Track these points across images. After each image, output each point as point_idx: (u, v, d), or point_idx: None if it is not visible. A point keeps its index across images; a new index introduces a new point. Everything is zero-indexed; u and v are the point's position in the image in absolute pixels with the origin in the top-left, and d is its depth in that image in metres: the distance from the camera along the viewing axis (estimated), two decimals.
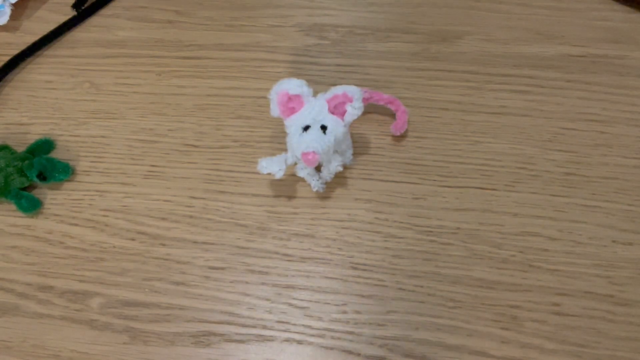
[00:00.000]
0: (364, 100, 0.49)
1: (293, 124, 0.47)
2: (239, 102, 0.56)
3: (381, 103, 0.53)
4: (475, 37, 0.58)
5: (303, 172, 0.49)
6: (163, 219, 0.50)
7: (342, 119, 0.46)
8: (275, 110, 0.47)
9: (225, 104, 0.56)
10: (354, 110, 0.46)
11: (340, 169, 0.48)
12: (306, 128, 0.46)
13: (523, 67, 0.56)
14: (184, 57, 0.59)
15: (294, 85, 0.46)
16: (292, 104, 0.46)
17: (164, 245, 0.49)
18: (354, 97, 0.46)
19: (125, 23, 0.62)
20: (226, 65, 0.58)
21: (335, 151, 0.48)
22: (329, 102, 0.46)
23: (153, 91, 0.57)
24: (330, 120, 0.46)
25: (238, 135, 0.54)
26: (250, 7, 0.62)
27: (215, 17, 0.62)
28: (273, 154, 0.48)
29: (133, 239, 0.49)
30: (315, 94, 0.47)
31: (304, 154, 0.44)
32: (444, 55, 0.57)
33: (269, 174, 0.47)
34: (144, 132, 0.55)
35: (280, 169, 0.47)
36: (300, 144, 0.45)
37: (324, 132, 0.46)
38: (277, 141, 0.53)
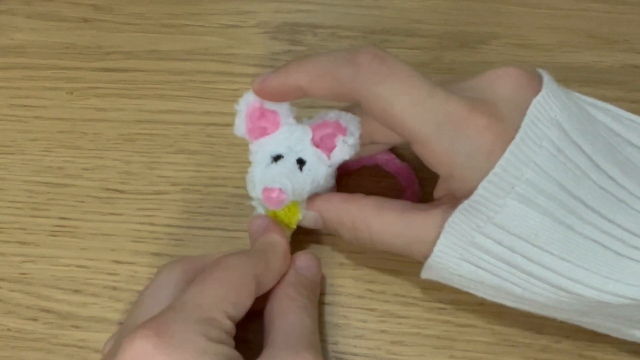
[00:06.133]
0: (364, 159, 0.51)
1: (261, 149, 0.47)
2: (180, 130, 0.58)
3: (390, 171, 0.54)
4: (506, 42, 0.61)
5: None
6: (76, 291, 0.51)
7: (328, 157, 0.47)
8: (240, 127, 0.47)
9: (161, 133, 0.58)
10: (345, 147, 0.46)
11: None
12: (277, 158, 0.46)
13: (571, 82, 0.58)
14: (105, 70, 0.61)
15: None
16: (264, 122, 0.47)
17: (77, 327, 0.49)
18: (349, 128, 0.46)
19: (24, 22, 0.65)
20: (163, 80, 0.60)
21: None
22: (314, 130, 0.47)
23: (63, 116, 0.59)
24: (311, 154, 0.46)
25: (179, 176, 0.55)
26: (196, 0, 0.65)
27: (147, 14, 0.64)
28: (228, 202, 0.50)
29: (35, 319, 0.50)
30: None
31: (266, 190, 0.45)
32: (463, 67, 0.60)
33: None
34: (49, 173, 0.56)
35: None
36: (265, 177, 0.46)
37: (300, 169, 0.46)
38: (233, 184, 0.55)
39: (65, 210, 0.55)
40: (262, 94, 0.46)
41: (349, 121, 0.46)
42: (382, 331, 0.49)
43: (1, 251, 0.53)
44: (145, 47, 0.63)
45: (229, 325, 0.39)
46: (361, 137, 0.47)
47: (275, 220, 0.48)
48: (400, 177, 0.53)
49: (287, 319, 0.43)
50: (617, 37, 0.61)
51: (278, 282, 0.45)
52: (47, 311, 0.51)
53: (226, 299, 0.40)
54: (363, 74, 0.40)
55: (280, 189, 0.44)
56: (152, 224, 0.54)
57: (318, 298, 0.48)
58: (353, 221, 0.45)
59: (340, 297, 0.50)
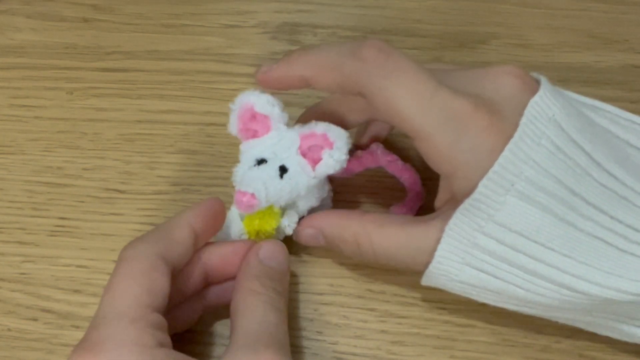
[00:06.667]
0: (366, 161, 0.51)
1: (248, 150, 0.47)
2: (180, 130, 0.58)
3: (393, 173, 0.53)
4: (505, 42, 0.61)
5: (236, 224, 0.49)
6: (76, 291, 0.51)
7: (313, 168, 0.46)
8: (234, 126, 0.48)
9: (161, 133, 0.58)
10: (330, 161, 0.45)
11: (289, 231, 0.49)
12: (260, 162, 0.46)
13: (571, 82, 0.58)
14: (105, 69, 0.62)
15: (263, 102, 0.46)
16: (255, 125, 0.47)
17: (77, 327, 0.49)
18: (336, 143, 0.45)
19: (24, 22, 0.65)
20: (162, 80, 0.61)
21: (295, 205, 0.48)
22: (302, 139, 0.46)
23: (62, 116, 0.59)
24: (295, 163, 0.46)
25: (179, 176, 0.56)
26: (196, 0, 0.65)
27: (147, 14, 0.64)
28: (228, 202, 0.49)
29: (35, 319, 0.50)
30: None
31: (239, 193, 0.44)
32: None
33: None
34: (49, 173, 0.56)
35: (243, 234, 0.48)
36: (242, 179, 0.46)
37: (281, 176, 0.46)
38: (233, 184, 0.54)
39: (65, 210, 0.55)
40: (266, 83, 0.46)
41: (337, 136, 0.45)
42: (382, 331, 0.49)
43: (1, 251, 0.53)
44: (145, 47, 0.63)
45: (157, 319, 0.39)
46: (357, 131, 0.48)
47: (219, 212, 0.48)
48: (404, 178, 0.53)
49: (249, 316, 0.42)
50: (617, 37, 0.62)
51: (242, 275, 0.45)
52: (47, 311, 0.50)
53: (140, 292, 0.39)
54: (369, 68, 0.40)
55: (252, 194, 0.44)
56: (152, 224, 0.54)
57: (287, 287, 0.47)
58: (355, 237, 0.45)
59: (340, 297, 0.50)
